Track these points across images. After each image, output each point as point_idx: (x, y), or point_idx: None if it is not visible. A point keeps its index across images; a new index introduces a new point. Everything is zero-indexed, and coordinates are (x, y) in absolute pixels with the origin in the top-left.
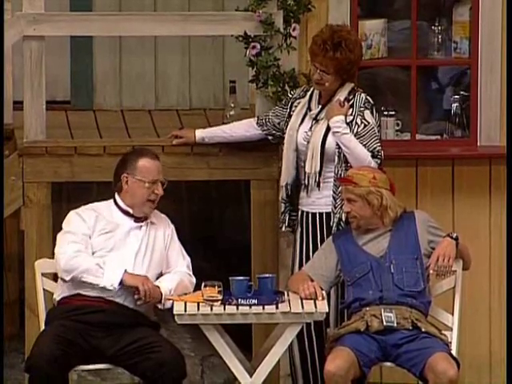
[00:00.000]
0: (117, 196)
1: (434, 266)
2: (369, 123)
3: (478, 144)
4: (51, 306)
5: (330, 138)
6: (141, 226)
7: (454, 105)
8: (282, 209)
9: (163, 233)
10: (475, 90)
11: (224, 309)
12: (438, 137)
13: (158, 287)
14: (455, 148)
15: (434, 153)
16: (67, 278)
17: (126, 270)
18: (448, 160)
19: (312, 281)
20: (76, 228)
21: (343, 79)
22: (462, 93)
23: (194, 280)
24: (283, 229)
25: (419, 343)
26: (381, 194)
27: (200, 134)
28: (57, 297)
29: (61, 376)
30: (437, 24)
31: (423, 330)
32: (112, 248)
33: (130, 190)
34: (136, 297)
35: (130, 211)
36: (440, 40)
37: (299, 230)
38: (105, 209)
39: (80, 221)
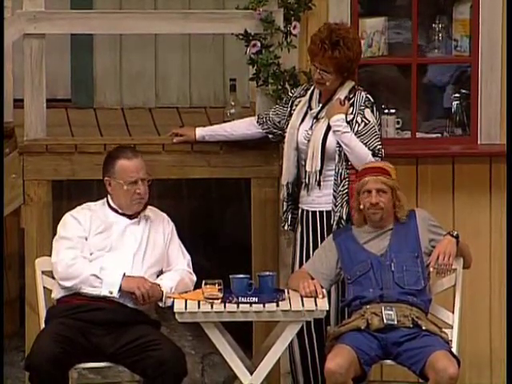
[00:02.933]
0: (108, 197)
1: (435, 264)
2: (369, 122)
3: (479, 142)
4: (51, 304)
5: (330, 136)
6: (138, 222)
7: (455, 103)
8: (284, 208)
9: (163, 231)
10: (475, 88)
11: (224, 307)
12: (439, 135)
13: (159, 285)
14: (455, 146)
15: (434, 151)
16: (66, 285)
17: (124, 275)
18: (448, 158)
19: (312, 279)
20: (71, 232)
21: (344, 77)
22: (462, 91)
23: (194, 278)
24: (285, 227)
25: (420, 341)
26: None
27: (200, 132)
28: (55, 296)
29: (61, 374)
30: (437, 22)
31: (424, 327)
32: (110, 248)
33: (113, 192)
34: (134, 297)
35: (120, 211)
36: (440, 38)
37: (299, 228)
38: (99, 208)
39: (75, 223)
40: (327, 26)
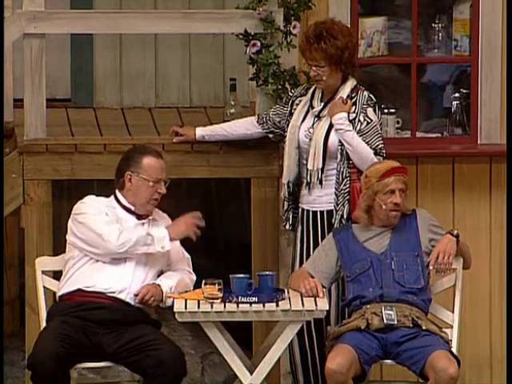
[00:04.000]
0: (118, 193)
1: (434, 263)
2: (372, 120)
3: (479, 142)
4: (51, 303)
5: (332, 135)
6: (143, 224)
7: (455, 103)
8: (285, 207)
9: None
10: (475, 88)
11: (224, 306)
12: (439, 135)
13: (159, 285)
14: (455, 146)
15: (434, 150)
16: (121, 251)
17: (166, 227)
18: (448, 158)
19: (312, 277)
20: (97, 210)
21: (342, 70)
22: (462, 90)
23: (194, 277)
24: (286, 227)
25: (420, 341)
26: None
27: (200, 132)
28: (57, 293)
29: (63, 373)
30: (437, 22)
31: (424, 327)
32: None
33: (133, 188)
34: (137, 300)
35: (132, 208)
36: (440, 38)
37: (300, 228)
38: (107, 206)
39: (95, 206)
40: (314, 24)
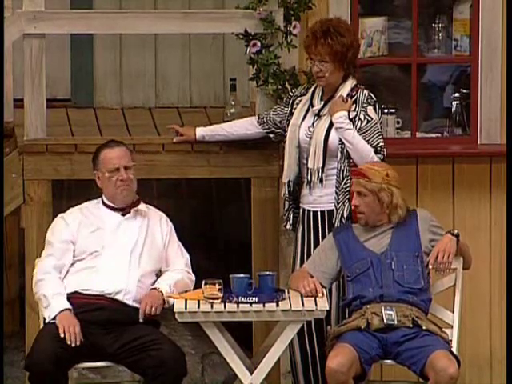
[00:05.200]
0: (103, 194)
1: (434, 262)
2: (372, 119)
3: (479, 142)
4: None
5: (332, 133)
6: (134, 217)
7: (455, 103)
8: (286, 206)
9: (161, 230)
10: (475, 88)
11: (224, 307)
12: (439, 135)
13: (157, 288)
14: (455, 146)
15: (434, 151)
16: (33, 293)
17: (66, 309)
18: (448, 158)
19: (312, 277)
20: (55, 236)
21: (344, 69)
22: (462, 91)
23: (193, 278)
24: (287, 227)
25: (420, 341)
26: (391, 192)
27: (200, 132)
28: None
29: (61, 374)
30: (437, 22)
31: (424, 327)
32: (103, 246)
33: (102, 184)
34: (141, 318)
35: (113, 205)
36: (440, 38)
37: (300, 228)
38: (93, 207)
39: (63, 226)
40: (319, 21)
